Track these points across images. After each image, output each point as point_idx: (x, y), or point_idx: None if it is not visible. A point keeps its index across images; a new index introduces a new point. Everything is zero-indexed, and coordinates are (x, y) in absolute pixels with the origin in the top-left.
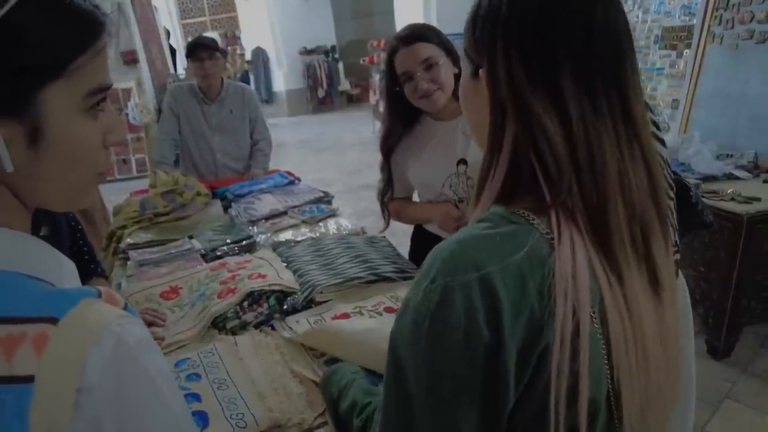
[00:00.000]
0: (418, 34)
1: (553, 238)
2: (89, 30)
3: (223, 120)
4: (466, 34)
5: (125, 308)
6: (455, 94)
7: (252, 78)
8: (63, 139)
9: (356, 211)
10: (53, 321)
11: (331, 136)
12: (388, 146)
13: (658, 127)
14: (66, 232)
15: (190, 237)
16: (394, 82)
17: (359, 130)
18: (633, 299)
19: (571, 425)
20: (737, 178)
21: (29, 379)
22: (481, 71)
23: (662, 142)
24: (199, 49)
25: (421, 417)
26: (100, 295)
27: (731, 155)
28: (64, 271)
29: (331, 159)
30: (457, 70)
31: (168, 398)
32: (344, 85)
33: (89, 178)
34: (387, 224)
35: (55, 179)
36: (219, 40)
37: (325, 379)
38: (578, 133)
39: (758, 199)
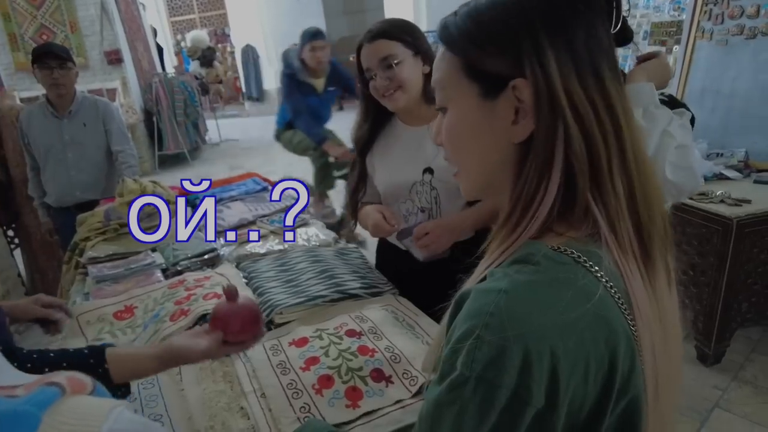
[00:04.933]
0: (383, 30)
1: (602, 276)
2: None
3: (76, 134)
4: (476, 48)
5: (93, 390)
6: (426, 96)
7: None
8: None
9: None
10: None
11: None
12: (359, 140)
13: (692, 122)
14: None
15: (153, 250)
16: (363, 78)
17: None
18: (660, 298)
19: None
20: (727, 178)
21: None
22: (514, 82)
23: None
24: (47, 57)
25: None
26: (64, 391)
27: (721, 154)
28: None
29: None
30: (428, 70)
31: None
32: None
33: None
34: (355, 223)
35: None
36: (208, 37)
37: None
38: (626, 132)
39: (748, 201)
